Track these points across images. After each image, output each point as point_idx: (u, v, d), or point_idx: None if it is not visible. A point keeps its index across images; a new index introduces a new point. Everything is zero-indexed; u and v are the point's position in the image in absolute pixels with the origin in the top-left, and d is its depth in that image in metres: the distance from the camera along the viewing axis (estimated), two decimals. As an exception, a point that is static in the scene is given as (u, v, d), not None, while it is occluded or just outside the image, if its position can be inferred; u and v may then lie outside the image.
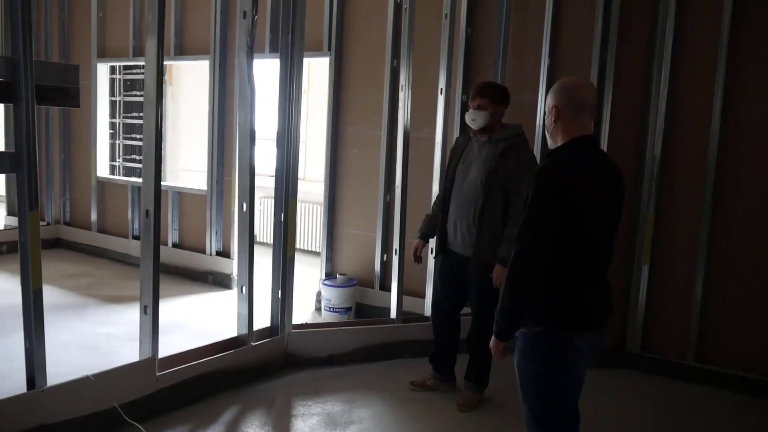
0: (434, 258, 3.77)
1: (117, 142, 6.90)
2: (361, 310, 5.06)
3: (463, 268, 3.54)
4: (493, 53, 4.49)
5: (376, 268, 5.03)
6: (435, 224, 3.71)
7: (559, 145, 2.18)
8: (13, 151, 2.73)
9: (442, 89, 4.38)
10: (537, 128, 4.35)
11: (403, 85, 4.26)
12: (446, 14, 4.36)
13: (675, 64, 4.05)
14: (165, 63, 3.32)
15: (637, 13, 4.16)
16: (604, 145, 4.18)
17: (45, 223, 7.09)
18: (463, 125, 4.23)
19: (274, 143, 3.90)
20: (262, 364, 3.86)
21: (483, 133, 3.49)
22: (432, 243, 3.92)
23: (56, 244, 7.13)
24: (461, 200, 3.51)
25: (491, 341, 2.18)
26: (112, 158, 6.94)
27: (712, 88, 3.94)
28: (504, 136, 3.45)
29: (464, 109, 4.38)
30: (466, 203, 3.49)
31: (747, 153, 3.93)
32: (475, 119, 3.45)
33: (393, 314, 4.35)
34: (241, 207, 3.77)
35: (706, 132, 3.98)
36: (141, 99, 6.39)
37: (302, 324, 4.26)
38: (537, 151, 4.36)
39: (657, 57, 4.09)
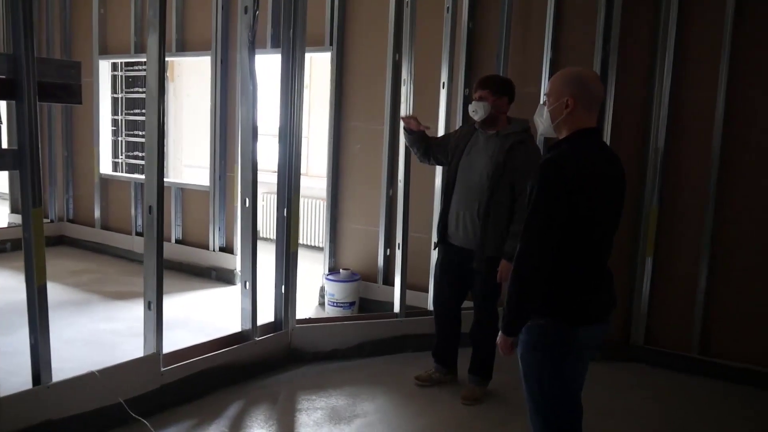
0: (434, 249, 3.76)
1: (119, 138, 6.91)
2: (365, 305, 5.06)
3: (465, 262, 3.53)
4: (495, 47, 4.48)
5: (379, 262, 5.03)
6: (421, 139, 3.70)
7: (563, 136, 2.16)
8: (16, 148, 2.73)
9: (444, 83, 4.38)
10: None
11: (405, 80, 4.26)
12: (448, 8, 4.35)
13: (678, 55, 4.03)
14: (167, 59, 3.32)
15: (640, 4, 4.14)
16: (607, 138, 4.16)
17: (48, 221, 7.11)
18: (466, 119, 4.22)
19: (277, 139, 3.90)
20: (265, 359, 3.87)
21: (486, 125, 3.49)
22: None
23: (60, 241, 7.14)
24: (466, 193, 3.50)
25: (498, 337, 2.17)
26: (115, 155, 6.95)
27: (716, 79, 3.92)
28: (512, 130, 3.44)
29: (467, 102, 4.37)
30: (470, 196, 3.47)
31: (752, 145, 3.92)
32: (476, 110, 3.44)
33: (396, 308, 4.36)
34: (243, 202, 3.77)
35: (710, 124, 3.97)
36: (143, 96, 6.39)
37: (306, 319, 4.27)
38: (540, 144, 4.35)
39: (660, 49, 4.07)
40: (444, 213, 3.61)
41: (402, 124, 3.77)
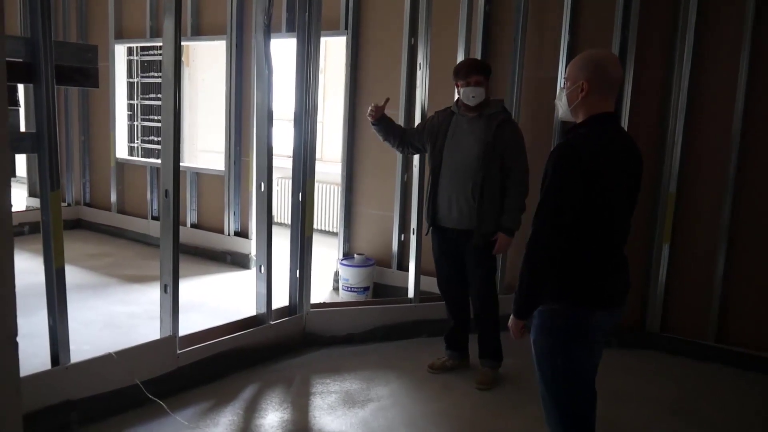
0: (426, 234, 3.81)
1: (135, 123, 6.94)
2: (379, 290, 5.07)
3: (462, 243, 3.58)
4: (512, 30, 4.43)
5: (393, 247, 5.03)
6: (392, 128, 3.78)
7: (580, 121, 2.14)
8: (34, 131, 2.75)
9: (460, 67, 4.33)
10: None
11: (420, 64, 4.23)
12: (464, -9, 4.30)
13: (699, 39, 3.97)
14: (182, 43, 3.32)
15: (659, -13, 4.08)
16: (625, 123, 4.12)
17: (65, 204, 7.17)
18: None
19: (292, 123, 3.90)
20: (280, 342, 3.90)
21: (475, 108, 3.51)
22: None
23: (77, 224, 7.21)
24: (455, 175, 3.53)
25: (510, 320, 2.17)
26: (131, 140, 6.99)
27: (738, 62, 3.85)
28: (495, 110, 3.53)
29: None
30: (461, 178, 3.51)
31: (771, 130, 3.86)
32: (475, 96, 3.50)
33: (410, 294, 4.36)
34: (259, 187, 3.78)
35: (730, 108, 3.91)
36: (158, 80, 6.41)
37: (320, 303, 4.28)
38: (557, 127, 4.32)
39: (681, 32, 4.00)
40: (433, 197, 3.63)
41: (370, 120, 3.79)
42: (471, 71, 3.49)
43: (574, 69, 2.14)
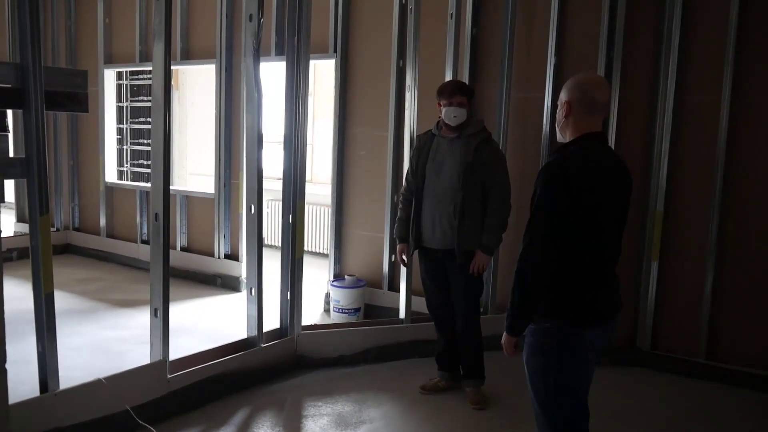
0: (408, 256, 3.83)
1: (125, 147, 6.94)
2: (370, 311, 5.06)
3: (447, 263, 3.61)
4: (498, 52, 4.49)
5: (384, 268, 5.03)
6: (410, 224, 3.75)
7: (568, 140, 2.18)
8: (24, 156, 2.75)
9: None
10: (544, 125, 4.36)
11: (409, 86, 4.27)
12: (451, 14, 4.36)
13: (682, 59, 4.04)
14: (172, 67, 3.33)
15: (643, 8, 4.15)
16: (612, 142, 4.17)
17: (54, 229, 7.13)
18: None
19: (282, 146, 3.91)
20: (272, 365, 3.87)
21: (456, 129, 3.55)
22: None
23: (66, 249, 7.17)
24: (438, 197, 3.56)
25: (503, 337, 2.18)
26: (120, 164, 6.98)
27: (721, 82, 3.92)
28: (474, 131, 3.57)
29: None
30: (444, 199, 3.54)
31: (756, 147, 3.91)
32: (457, 116, 3.53)
33: (402, 314, 4.35)
34: (249, 209, 3.78)
35: (714, 127, 3.97)
36: (148, 104, 6.41)
37: (311, 325, 4.27)
38: (545, 147, 4.37)
39: (664, 53, 4.07)
40: (417, 219, 3.65)
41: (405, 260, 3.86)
42: (455, 92, 3.54)
43: (562, 92, 2.22)
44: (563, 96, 2.19)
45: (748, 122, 3.91)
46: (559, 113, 2.20)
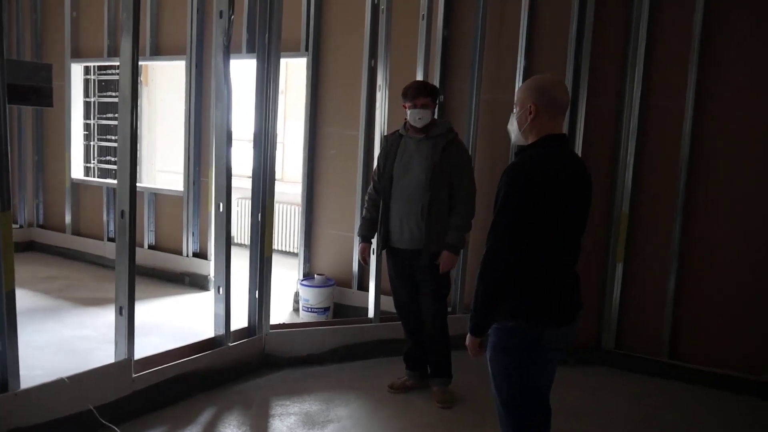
0: (377, 255, 3.86)
1: (92, 143, 6.83)
2: (339, 310, 5.06)
3: (414, 263, 3.62)
4: (469, 54, 4.53)
5: (353, 268, 5.03)
6: (374, 225, 3.77)
7: (529, 142, 2.20)
8: (-15, 150, 2.70)
9: (419, 90, 4.39)
10: (513, 128, 4.40)
11: (380, 86, 4.28)
12: (423, 15, 4.38)
13: (648, 65, 4.11)
14: (140, 63, 3.29)
15: (611, 15, 4.22)
16: (579, 146, 4.23)
17: (18, 226, 6.99)
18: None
19: (251, 144, 3.89)
20: (239, 364, 3.85)
21: (422, 130, 3.57)
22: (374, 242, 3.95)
23: (29, 247, 7.03)
24: (406, 197, 3.58)
25: (467, 338, 2.20)
26: (87, 160, 6.87)
27: (685, 87, 4.01)
28: (441, 131, 3.59)
29: (440, 108, 4.42)
30: (412, 200, 3.55)
31: (719, 152, 4.00)
32: (421, 118, 3.54)
33: (371, 314, 4.36)
34: (218, 207, 3.76)
35: (678, 131, 4.05)
36: (116, 100, 6.32)
37: (280, 324, 4.25)
38: (513, 148, 4.40)
39: (631, 58, 4.15)
40: (385, 220, 3.67)
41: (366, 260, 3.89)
42: (418, 93, 3.54)
43: (522, 94, 2.21)
44: (526, 98, 2.17)
45: (710, 126, 4.00)
46: (522, 115, 2.19)
